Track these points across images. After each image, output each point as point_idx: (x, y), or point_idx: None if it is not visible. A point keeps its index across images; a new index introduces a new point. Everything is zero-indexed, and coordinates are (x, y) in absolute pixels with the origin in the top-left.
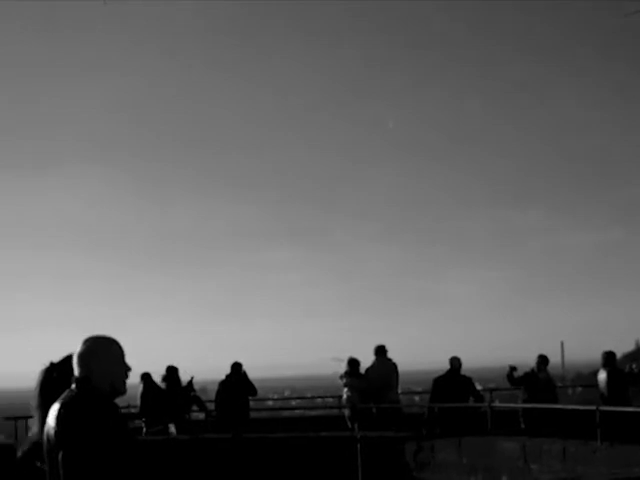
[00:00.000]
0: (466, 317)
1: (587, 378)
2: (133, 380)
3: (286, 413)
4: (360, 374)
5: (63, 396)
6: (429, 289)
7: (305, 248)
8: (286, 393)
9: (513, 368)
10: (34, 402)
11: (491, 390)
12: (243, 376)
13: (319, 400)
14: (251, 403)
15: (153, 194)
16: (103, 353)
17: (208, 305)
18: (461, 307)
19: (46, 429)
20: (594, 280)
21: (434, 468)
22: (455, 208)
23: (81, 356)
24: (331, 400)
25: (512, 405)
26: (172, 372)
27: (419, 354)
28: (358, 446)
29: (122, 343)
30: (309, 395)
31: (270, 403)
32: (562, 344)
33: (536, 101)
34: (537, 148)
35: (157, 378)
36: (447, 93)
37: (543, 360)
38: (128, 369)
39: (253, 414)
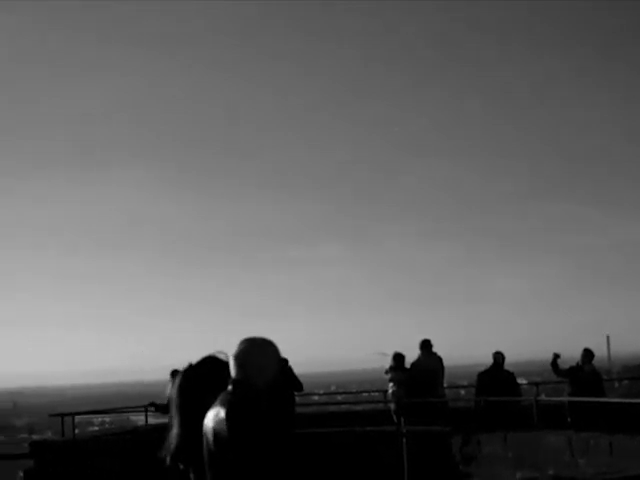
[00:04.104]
0: (512, 311)
1: (633, 371)
2: (163, 377)
3: (332, 408)
4: (405, 368)
5: (222, 399)
6: (474, 284)
7: (353, 244)
8: (332, 388)
9: (557, 356)
10: (173, 404)
11: (537, 384)
12: (289, 371)
13: (365, 395)
14: (297, 398)
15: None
16: (258, 354)
17: (252, 302)
18: (507, 302)
19: (208, 432)
20: (639, 274)
21: (480, 462)
22: (501, 204)
23: (237, 357)
24: (377, 395)
25: (558, 399)
26: None
27: (465, 348)
28: (404, 440)
29: (169, 341)
30: (355, 390)
31: (316, 398)
32: (608, 338)
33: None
34: (586, 144)
35: None
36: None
37: (587, 354)
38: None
39: (299, 409)
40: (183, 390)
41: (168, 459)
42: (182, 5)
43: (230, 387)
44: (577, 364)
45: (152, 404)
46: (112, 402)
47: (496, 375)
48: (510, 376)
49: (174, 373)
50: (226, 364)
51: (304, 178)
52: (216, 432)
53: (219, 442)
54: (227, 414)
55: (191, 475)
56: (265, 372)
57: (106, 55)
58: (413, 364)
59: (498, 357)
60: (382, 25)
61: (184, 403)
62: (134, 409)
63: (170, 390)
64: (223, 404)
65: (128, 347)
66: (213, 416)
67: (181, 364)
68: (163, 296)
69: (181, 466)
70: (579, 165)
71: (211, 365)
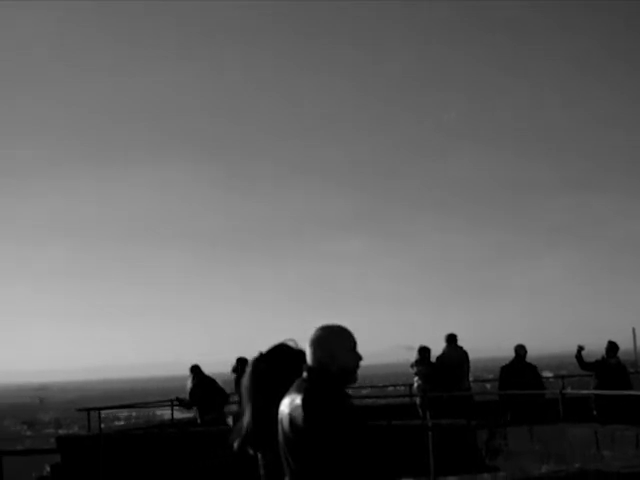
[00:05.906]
0: (537, 305)
1: None
2: (182, 372)
3: (357, 402)
4: (431, 362)
5: (297, 385)
6: (500, 277)
7: (377, 239)
8: (357, 382)
9: (581, 348)
10: (245, 392)
11: (562, 377)
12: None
13: (390, 388)
14: None
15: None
16: (333, 341)
17: (275, 299)
18: (532, 295)
19: (284, 418)
20: None
21: (506, 455)
22: (526, 197)
23: (312, 344)
24: (402, 388)
25: (584, 392)
26: (242, 364)
27: (490, 342)
28: (429, 434)
29: (197, 332)
30: (380, 384)
31: None
32: (634, 330)
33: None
34: (612, 136)
35: (228, 368)
36: (517, 85)
37: (612, 347)
38: (359, 358)
39: None
40: (255, 377)
41: (236, 444)
42: (203, 8)
43: (305, 374)
44: (602, 357)
45: (177, 399)
46: (137, 397)
47: (519, 368)
48: (533, 369)
49: (193, 369)
50: (296, 352)
51: (332, 175)
52: (292, 418)
53: (295, 428)
54: (303, 400)
55: (260, 460)
56: (339, 359)
57: (130, 56)
58: (438, 358)
59: (520, 350)
60: (394, 26)
61: (256, 390)
62: (160, 404)
63: (189, 383)
64: (299, 390)
65: (149, 344)
66: (289, 402)
67: (196, 360)
68: (180, 295)
69: (250, 451)
70: (607, 159)
71: (281, 353)
